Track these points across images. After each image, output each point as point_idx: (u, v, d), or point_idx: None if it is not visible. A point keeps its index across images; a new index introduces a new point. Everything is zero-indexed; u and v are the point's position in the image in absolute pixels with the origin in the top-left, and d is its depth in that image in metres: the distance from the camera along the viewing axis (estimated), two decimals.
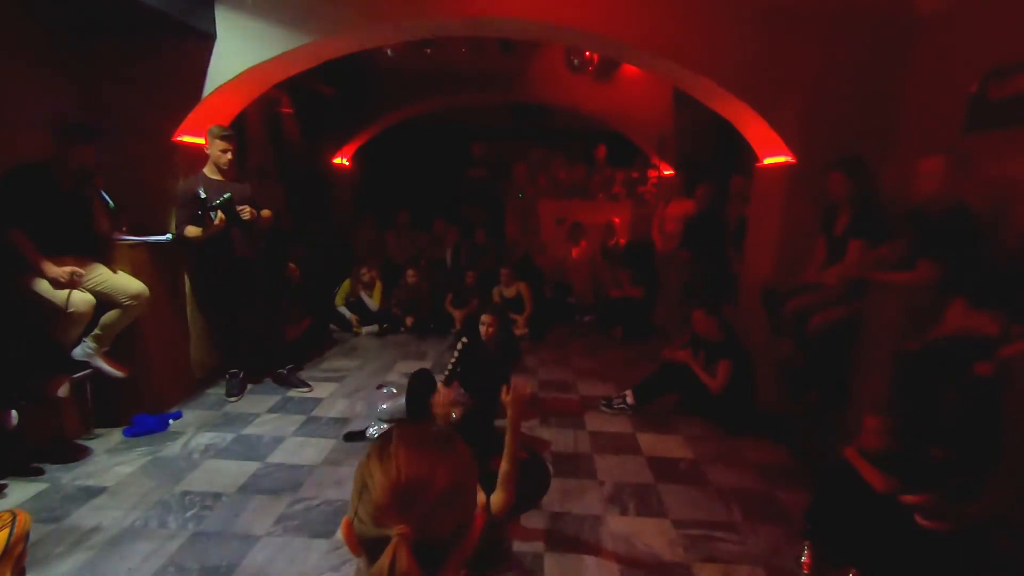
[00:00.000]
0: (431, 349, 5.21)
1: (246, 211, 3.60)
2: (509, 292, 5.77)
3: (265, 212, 3.82)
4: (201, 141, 3.80)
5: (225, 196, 3.51)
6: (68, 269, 2.81)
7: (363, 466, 0.84)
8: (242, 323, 3.92)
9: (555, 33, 3.92)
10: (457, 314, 5.70)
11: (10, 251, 2.75)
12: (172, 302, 3.73)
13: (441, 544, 0.80)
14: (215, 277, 3.77)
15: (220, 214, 3.50)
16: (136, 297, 3.09)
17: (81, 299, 2.86)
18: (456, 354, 3.51)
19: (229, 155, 3.61)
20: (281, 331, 4.38)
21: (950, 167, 2.69)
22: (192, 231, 3.52)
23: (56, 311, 2.81)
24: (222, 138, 3.59)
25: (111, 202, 3.18)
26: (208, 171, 3.65)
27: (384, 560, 0.75)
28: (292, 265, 5.15)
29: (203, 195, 3.48)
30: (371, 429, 3.24)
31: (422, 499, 0.79)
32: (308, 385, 4.05)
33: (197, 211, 3.49)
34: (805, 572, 2.23)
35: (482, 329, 3.50)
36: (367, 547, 0.78)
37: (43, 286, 2.78)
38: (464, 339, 3.54)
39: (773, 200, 3.93)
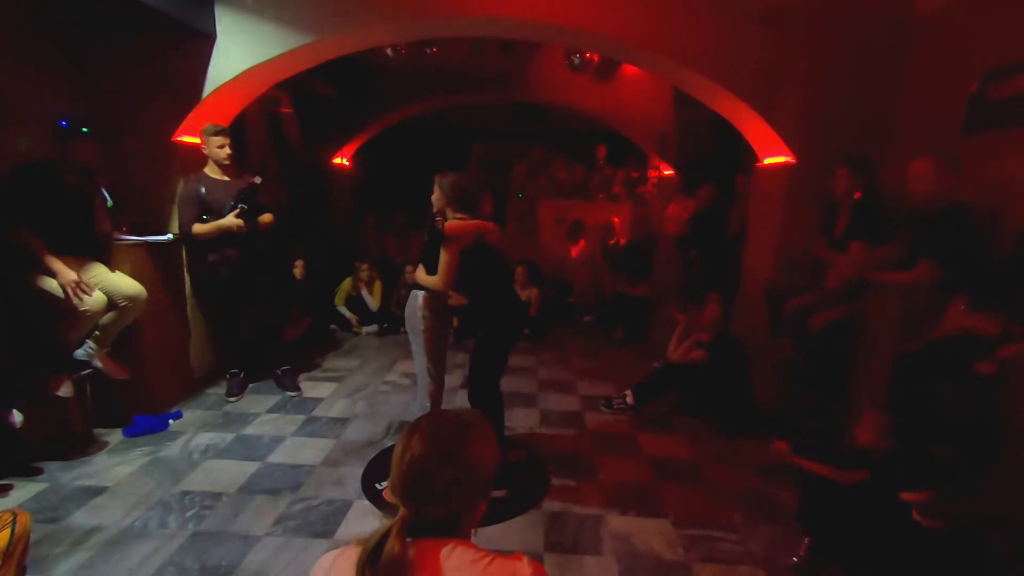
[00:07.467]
0: None
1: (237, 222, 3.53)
2: (522, 295, 5.73)
3: (265, 217, 3.74)
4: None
5: (252, 184, 3.58)
6: (75, 279, 2.78)
7: (401, 437, 1.03)
8: (242, 324, 3.90)
9: (555, 33, 3.91)
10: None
11: (14, 249, 2.73)
12: (172, 302, 3.73)
13: (445, 520, 0.98)
14: (214, 278, 3.73)
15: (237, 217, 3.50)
16: (132, 299, 3.06)
17: (94, 298, 2.86)
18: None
19: (227, 149, 3.56)
20: (281, 331, 4.37)
21: (939, 168, 2.67)
22: (200, 228, 3.50)
23: (67, 309, 2.79)
24: (216, 133, 3.54)
25: (110, 200, 3.17)
26: (209, 171, 3.61)
27: (375, 535, 0.94)
28: (300, 262, 5.15)
29: (203, 192, 3.48)
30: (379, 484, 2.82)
31: (425, 489, 0.96)
32: (298, 389, 4.01)
33: (200, 213, 3.49)
34: (794, 560, 2.27)
35: None
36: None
37: (53, 283, 2.77)
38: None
39: (773, 200, 3.93)
